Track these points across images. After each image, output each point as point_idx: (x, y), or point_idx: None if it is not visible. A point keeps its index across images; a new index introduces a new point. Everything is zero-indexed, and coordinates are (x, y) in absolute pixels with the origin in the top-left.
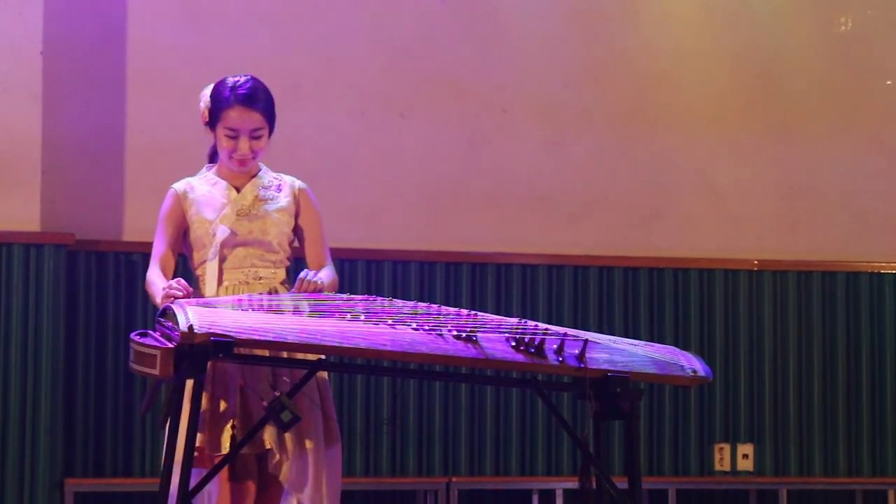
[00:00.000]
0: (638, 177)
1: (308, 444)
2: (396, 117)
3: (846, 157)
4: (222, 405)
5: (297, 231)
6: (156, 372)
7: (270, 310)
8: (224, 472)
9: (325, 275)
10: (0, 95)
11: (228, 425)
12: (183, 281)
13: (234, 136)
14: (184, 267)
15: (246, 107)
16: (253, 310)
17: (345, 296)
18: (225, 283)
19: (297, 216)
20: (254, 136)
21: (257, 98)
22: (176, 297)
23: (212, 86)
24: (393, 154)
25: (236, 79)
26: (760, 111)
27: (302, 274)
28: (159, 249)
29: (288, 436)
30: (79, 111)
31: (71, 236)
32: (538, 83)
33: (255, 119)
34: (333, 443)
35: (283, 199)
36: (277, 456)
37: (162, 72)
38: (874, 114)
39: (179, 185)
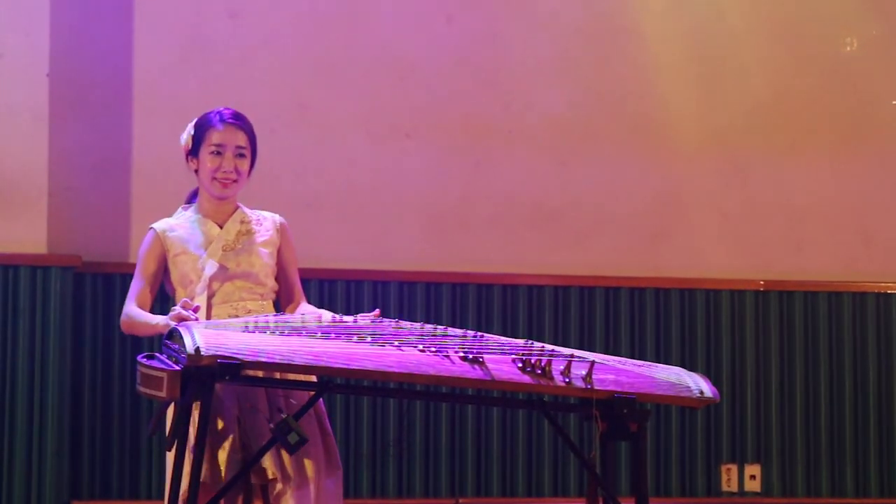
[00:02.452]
0: (644, 197)
1: (310, 472)
2: (402, 138)
3: (853, 177)
4: (221, 435)
5: (277, 264)
6: (162, 394)
7: (277, 332)
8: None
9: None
10: (7, 118)
11: (225, 455)
12: (191, 302)
13: (219, 152)
14: (162, 305)
15: (231, 124)
16: (259, 332)
17: (351, 318)
18: (214, 318)
19: (279, 251)
20: (238, 153)
21: (242, 119)
22: (185, 319)
23: (194, 120)
24: (398, 175)
25: (220, 108)
26: (767, 131)
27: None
28: (137, 287)
29: (290, 464)
30: (85, 133)
31: (77, 258)
32: (544, 104)
33: (239, 137)
34: (335, 470)
35: (266, 233)
36: (280, 485)
37: (168, 94)
38: (880, 134)
39: (159, 225)
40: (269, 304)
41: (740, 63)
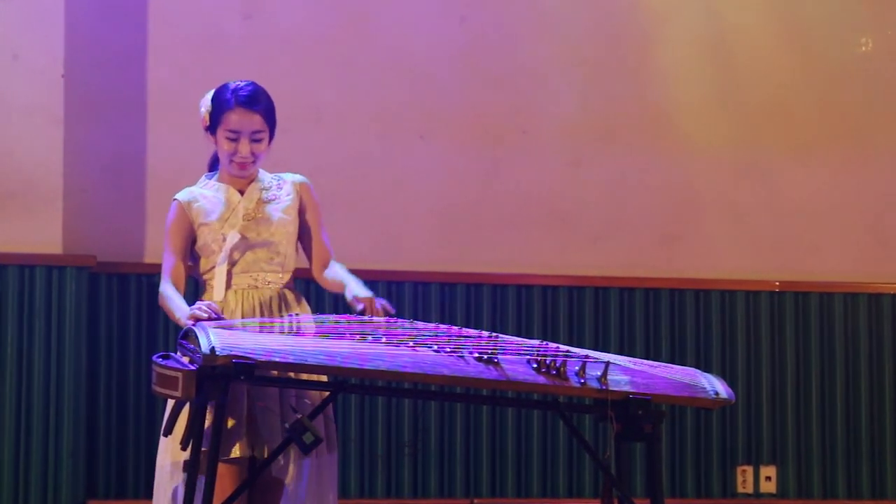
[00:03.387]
0: (659, 198)
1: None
2: (416, 139)
3: (868, 177)
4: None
5: (300, 227)
6: (178, 394)
7: (291, 332)
8: (224, 478)
9: (352, 277)
10: (22, 119)
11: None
12: (214, 305)
13: (235, 138)
14: (193, 279)
15: (247, 108)
16: (275, 332)
17: (366, 317)
18: (234, 287)
19: (301, 212)
20: (254, 138)
21: (258, 100)
22: (200, 319)
23: (212, 91)
24: (413, 176)
25: (237, 83)
26: (781, 131)
27: (374, 302)
28: (169, 262)
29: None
30: (100, 134)
31: (93, 258)
32: (557, 105)
33: (255, 121)
34: (332, 449)
35: (286, 198)
36: (281, 460)
37: (183, 94)
38: None
39: (182, 195)
40: (289, 276)
41: (755, 63)
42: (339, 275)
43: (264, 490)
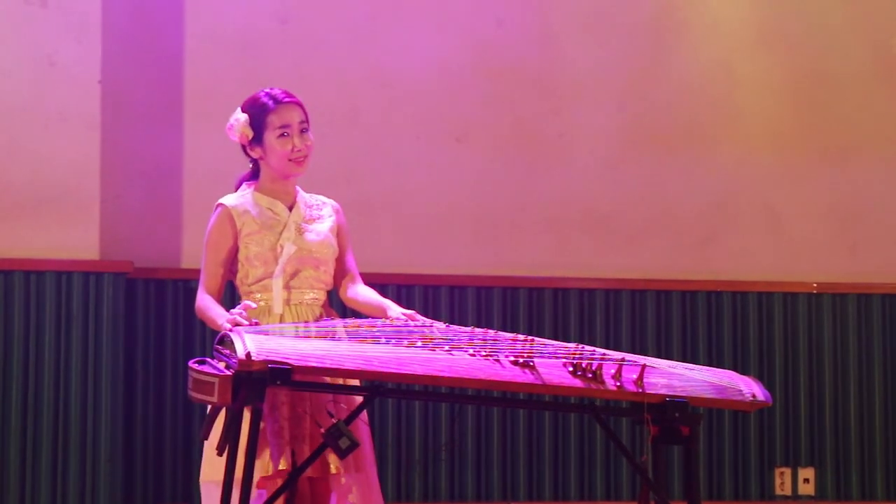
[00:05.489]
0: (695, 200)
1: (366, 463)
2: (452, 142)
3: None
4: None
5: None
6: (214, 399)
7: (327, 336)
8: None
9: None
10: (58, 124)
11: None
12: (248, 303)
13: (287, 133)
14: (231, 291)
15: (287, 103)
16: (310, 337)
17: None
18: (289, 302)
19: (337, 234)
20: (303, 128)
21: (293, 95)
22: (238, 324)
23: (238, 110)
24: (449, 179)
25: (264, 90)
26: (818, 133)
27: (412, 319)
28: (210, 271)
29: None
30: (137, 139)
31: (129, 264)
32: (594, 107)
33: (299, 112)
34: (372, 464)
35: (329, 218)
36: (344, 479)
37: (219, 99)
38: None
39: (229, 200)
40: (325, 294)
41: (790, 65)
42: (373, 298)
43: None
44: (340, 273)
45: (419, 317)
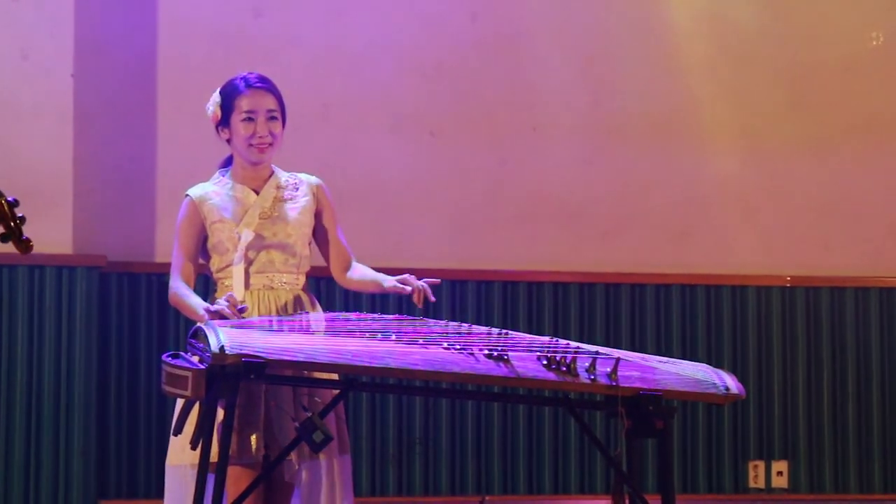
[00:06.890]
0: (670, 193)
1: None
2: (426, 136)
3: (879, 172)
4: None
5: (317, 229)
6: (187, 393)
7: (301, 330)
8: (240, 480)
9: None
10: (32, 119)
11: (253, 436)
12: (234, 295)
13: (252, 118)
14: (203, 276)
15: (258, 88)
16: (284, 331)
17: (376, 315)
18: (251, 288)
19: (318, 214)
20: (270, 116)
21: (268, 82)
22: (225, 317)
23: (217, 89)
24: (423, 173)
25: (243, 73)
26: (793, 128)
27: (415, 283)
28: (180, 260)
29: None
30: (110, 134)
31: (103, 258)
32: (567, 101)
33: (269, 100)
34: (345, 451)
35: (303, 199)
36: (295, 462)
37: (192, 93)
38: None
39: (194, 191)
40: (303, 277)
41: (766, 59)
42: (368, 273)
43: (277, 492)
44: (332, 256)
45: (413, 279)
